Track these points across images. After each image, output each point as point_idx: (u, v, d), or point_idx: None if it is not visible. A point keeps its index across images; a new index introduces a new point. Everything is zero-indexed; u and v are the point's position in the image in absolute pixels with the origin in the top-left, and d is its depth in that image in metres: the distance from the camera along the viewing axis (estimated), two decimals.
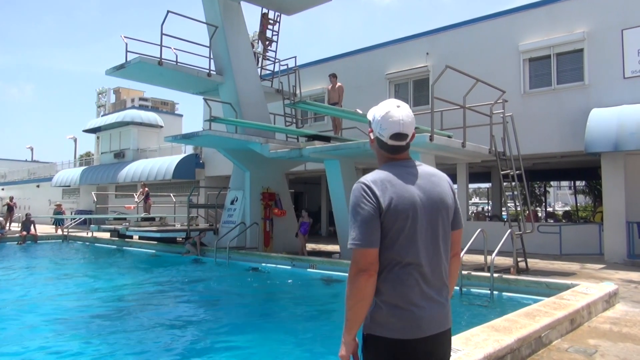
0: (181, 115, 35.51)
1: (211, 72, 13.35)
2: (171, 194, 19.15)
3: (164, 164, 23.20)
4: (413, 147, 1.90)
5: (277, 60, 15.55)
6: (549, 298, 5.84)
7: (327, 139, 12.22)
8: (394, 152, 1.91)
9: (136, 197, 19.11)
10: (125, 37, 12.27)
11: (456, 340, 3.72)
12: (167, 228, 15.45)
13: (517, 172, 10.22)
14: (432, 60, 15.10)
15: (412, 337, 1.75)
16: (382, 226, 1.76)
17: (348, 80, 15.53)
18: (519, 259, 9.44)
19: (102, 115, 40.61)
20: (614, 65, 11.81)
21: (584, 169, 19.32)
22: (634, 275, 9.02)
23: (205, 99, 13.40)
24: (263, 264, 11.44)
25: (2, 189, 40.95)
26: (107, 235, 18.15)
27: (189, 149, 23.99)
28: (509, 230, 9.15)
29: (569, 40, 12.53)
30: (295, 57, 14.84)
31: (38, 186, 36.41)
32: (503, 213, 17.71)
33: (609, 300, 6.23)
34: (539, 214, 24.11)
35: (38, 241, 18.67)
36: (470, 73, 10.11)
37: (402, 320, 1.75)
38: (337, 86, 13.20)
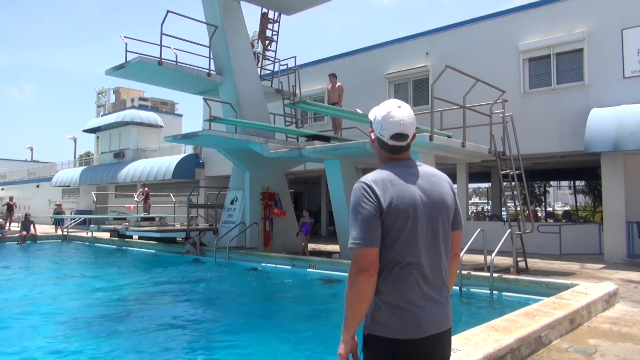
0: (181, 115, 35.52)
1: (211, 72, 13.35)
2: (171, 194, 19.14)
3: (164, 163, 23.20)
4: (413, 147, 1.91)
5: (277, 60, 15.56)
6: (549, 298, 5.84)
7: (326, 138, 12.22)
8: (395, 152, 1.91)
9: (136, 196, 19.11)
10: (125, 37, 12.27)
11: (456, 340, 3.72)
12: (167, 228, 15.45)
13: (517, 172, 10.23)
14: (431, 60, 15.11)
15: (412, 337, 1.75)
16: (383, 226, 1.76)
17: (348, 80, 15.53)
18: (518, 259, 9.45)
19: (101, 115, 40.65)
20: (613, 65, 11.81)
21: (584, 169, 19.33)
22: (633, 275, 9.03)
23: (205, 99, 13.39)
24: (263, 264, 11.44)
25: (2, 189, 40.94)
26: (107, 235, 18.15)
27: (188, 149, 24.00)
28: (509, 230, 9.16)
29: (569, 40, 12.53)
30: (295, 57, 14.85)
31: (38, 186, 36.40)
32: (503, 213, 17.73)
33: (609, 300, 6.23)
34: (539, 214, 24.12)
35: (38, 241, 18.66)
36: (470, 73, 10.11)
37: (402, 320, 1.76)
38: (337, 86, 13.20)
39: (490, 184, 21.81)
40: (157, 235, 14.57)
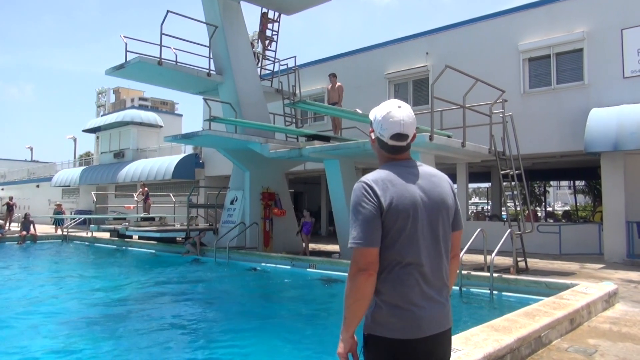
0: (181, 115, 35.52)
1: (211, 72, 13.34)
2: (171, 194, 19.15)
3: (164, 163, 23.20)
4: (413, 147, 1.91)
5: (276, 60, 15.56)
6: (549, 298, 5.84)
7: (326, 138, 12.22)
8: (395, 152, 1.91)
9: (135, 196, 19.11)
10: (125, 37, 12.27)
11: (456, 340, 3.72)
12: (167, 228, 15.45)
13: (517, 171, 10.23)
14: (431, 60, 15.11)
15: (413, 337, 1.75)
16: (383, 226, 1.76)
17: (348, 80, 15.53)
18: (518, 259, 9.45)
19: (101, 115, 40.64)
20: (613, 65, 11.81)
21: (584, 169, 19.33)
22: (633, 275, 9.03)
23: (205, 99, 13.39)
24: (263, 264, 11.44)
25: (2, 189, 40.93)
26: (106, 235, 18.14)
27: (188, 149, 24.00)
28: (509, 230, 9.16)
29: (569, 40, 12.53)
30: (295, 56, 14.85)
31: (38, 186, 36.39)
32: (503, 213, 17.73)
33: (609, 300, 6.23)
34: (539, 214, 24.12)
35: (37, 241, 18.66)
36: (469, 73, 10.11)
37: (402, 320, 1.76)
38: (336, 86, 13.20)
39: (490, 183, 21.82)
40: (157, 235, 14.58)
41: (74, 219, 22.91)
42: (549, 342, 4.58)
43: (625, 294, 7.10)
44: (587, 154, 11.31)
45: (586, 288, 6.32)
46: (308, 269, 10.38)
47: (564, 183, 33.86)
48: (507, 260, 9.56)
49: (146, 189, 18.74)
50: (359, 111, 10.92)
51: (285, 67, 15.45)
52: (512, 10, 13.94)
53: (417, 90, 15.75)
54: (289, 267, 10.90)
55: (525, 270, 9.41)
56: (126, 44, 12.18)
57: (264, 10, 15.05)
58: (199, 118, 25.82)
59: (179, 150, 24.81)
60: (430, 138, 8.61)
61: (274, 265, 11.25)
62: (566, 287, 6.67)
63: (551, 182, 33.00)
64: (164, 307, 7.85)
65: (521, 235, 9.82)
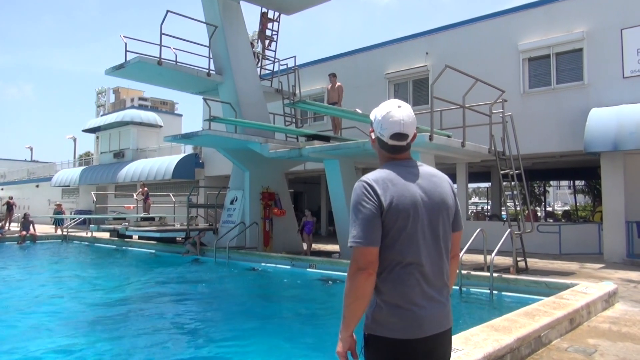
0: (181, 115, 35.52)
1: (210, 71, 13.34)
2: (171, 194, 19.14)
3: (164, 163, 23.19)
4: (413, 147, 1.91)
5: (276, 60, 15.56)
6: (549, 298, 5.84)
7: (326, 138, 12.23)
8: (395, 152, 1.92)
9: (135, 195, 19.11)
10: (124, 36, 12.27)
11: (456, 340, 3.72)
12: (167, 228, 15.44)
13: (517, 171, 10.23)
14: (431, 60, 15.11)
15: (413, 337, 1.75)
16: (383, 225, 1.76)
17: (347, 79, 15.53)
18: (518, 259, 9.45)
19: (101, 115, 40.62)
20: (613, 65, 11.82)
21: (584, 169, 19.34)
22: (633, 275, 9.03)
23: (204, 99, 13.39)
24: (263, 264, 11.43)
25: (2, 189, 40.92)
26: (106, 235, 18.14)
27: (188, 149, 24.00)
28: (509, 230, 9.16)
29: (568, 39, 12.54)
30: (294, 56, 14.85)
31: (37, 186, 36.39)
32: (502, 213, 17.73)
33: (609, 299, 6.24)
34: (539, 214, 24.13)
35: (37, 241, 18.66)
36: (469, 73, 10.11)
37: (402, 320, 1.76)
38: (336, 86, 13.21)
39: (490, 183, 21.83)
40: (157, 235, 14.57)
41: (73, 219, 22.90)
42: (548, 342, 4.58)
43: (625, 294, 7.10)
44: (586, 153, 11.31)
45: (586, 288, 6.32)
46: (308, 269, 10.38)
47: (564, 183, 33.88)
48: (507, 260, 9.56)
49: (146, 189, 18.74)
50: (359, 111, 10.92)
51: (285, 67, 15.45)
52: (511, 10, 13.95)
53: (417, 90, 15.75)
54: (288, 267, 10.90)
55: (525, 270, 9.42)
56: (126, 44, 12.19)
57: (264, 10, 15.05)
58: (198, 118, 25.84)
59: (178, 150, 24.81)
60: (430, 138, 8.61)
61: (273, 265, 11.25)
62: (566, 287, 6.68)
63: (551, 182, 33.02)
64: (164, 307, 7.85)
65: (521, 235, 9.83)
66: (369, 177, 1.83)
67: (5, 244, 18.02)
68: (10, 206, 22.87)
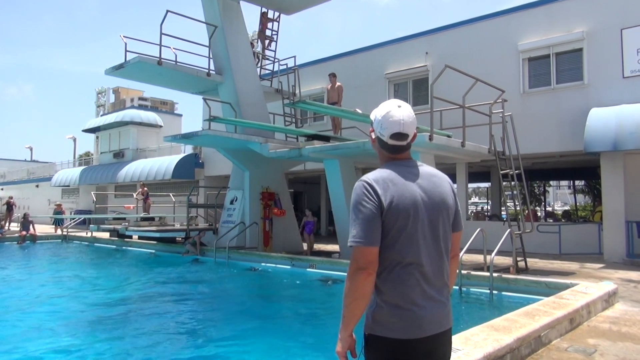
0: (180, 115, 35.52)
1: (210, 71, 13.34)
2: (170, 194, 19.14)
3: (164, 163, 23.19)
4: (413, 147, 1.91)
5: (276, 60, 15.56)
6: (549, 297, 5.85)
7: (326, 138, 12.23)
8: (395, 151, 1.92)
9: (135, 195, 19.11)
10: (124, 36, 12.28)
11: (456, 340, 3.72)
12: (167, 228, 15.44)
13: (517, 171, 10.23)
14: (431, 59, 15.11)
15: (413, 337, 1.75)
16: (383, 225, 1.76)
17: (347, 79, 15.53)
18: (518, 259, 9.45)
19: (101, 115, 40.61)
20: (613, 65, 11.82)
21: (583, 169, 19.34)
22: (633, 275, 9.03)
23: (204, 99, 13.39)
24: (262, 264, 11.44)
25: (2, 189, 40.91)
26: (106, 235, 18.14)
27: (188, 149, 23.99)
28: (509, 230, 9.16)
29: (568, 39, 12.54)
30: (294, 56, 14.85)
31: (37, 186, 36.38)
32: (502, 212, 17.73)
33: (609, 299, 6.24)
34: (539, 214, 24.14)
35: (37, 241, 18.66)
36: (469, 73, 10.11)
37: (403, 320, 1.76)
38: (336, 86, 13.21)
39: (489, 183, 21.83)
40: (157, 235, 14.57)
41: (73, 219, 22.90)
42: (548, 342, 4.58)
43: (624, 294, 7.10)
44: (586, 153, 11.32)
45: (586, 288, 6.32)
46: (308, 269, 10.38)
47: (564, 183, 33.87)
48: (507, 260, 9.56)
49: (146, 189, 18.73)
50: (359, 111, 10.92)
51: (285, 67, 15.45)
52: (511, 10, 13.95)
53: (416, 90, 15.75)
54: (288, 267, 10.90)
55: (525, 270, 9.42)
56: (126, 44, 12.19)
57: (264, 9, 15.05)
58: (198, 118, 25.84)
59: (178, 150, 24.81)
60: (430, 138, 8.61)
61: (273, 265, 11.25)
62: (566, 286, 6.68)
63: (551, 182, 33.01)
64: (164, 307, 7.85)
65: (521, 235, 9.83)
66: (369, 176, 1.83)
67: (5, 244, 18.02)
68: (10, 206, 22.87)
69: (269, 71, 16.17)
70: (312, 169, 16.93)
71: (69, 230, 20.63)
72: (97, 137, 31.51)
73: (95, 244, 17.95)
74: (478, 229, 8.87)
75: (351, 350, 1.82)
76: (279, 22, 15.43)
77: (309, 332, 6.17)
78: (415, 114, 1.96)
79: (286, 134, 13.91)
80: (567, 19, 12.61)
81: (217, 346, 5.57)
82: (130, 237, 16.56)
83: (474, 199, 51.91)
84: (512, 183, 10.17)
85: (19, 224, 19.80)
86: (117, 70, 12.68)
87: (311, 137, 12.28)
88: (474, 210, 32.19)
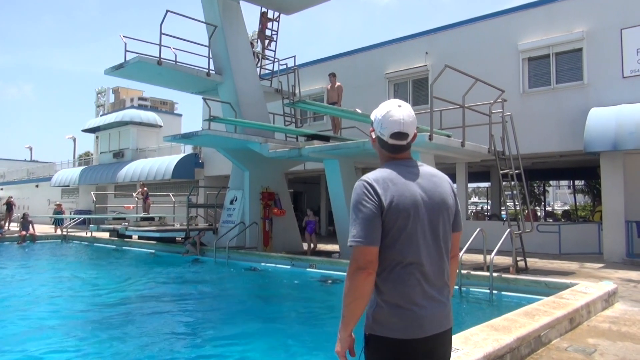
0: (180, 115, 35.54)
1: (210, 71, 13.34)
2: (170, 194, 19.14)
3: (163, 163, 23.19)
4: (412, 147, 1.91)
5: (276, 60, 15.56)
6: (548, 297, 5.85)
7: (326, 138, 12.23)
8: (395, 151, 1.92)
9: (135, 194, 19.12)
10: (124, 36, 12.28)
11: (455, 340, 3.72)
12: (167, 228, 15.44)
13: (516, 171, 10.24)
14: (431, 59, 15.11)
15: (414, 337, 1.75)
16: (383, 225, 1.76)
17: (347, 79, 15.53)
18: (518, 259, 9.45)
19: (101, 115, 40.62)
20: (613, 65, 11.82)
21: (583, 169, 19.35)
22: (633, 274, 9.04)
23: (204, 99, 13.39)
24: (262, 264, 11.44)
25: (2, 189, 40.91)
26: (106, 235, 18.14)
27: (188, 149, 23.99)
28: (508, 230, 9.16)
29: (568, 39, 12.54)
30: (294, 56, 14.84)
31: (37, 186, 36.38)
32: (502, 212, 17.74)
33: (608, 299, 6.24)
34: (538, 213, 24.14)
35: (37, 241, 18.65)
36: (469, 72, 10.11)
37: (403, 320, 1.76)
38: (336, 86, 13.21)
39: (489, 183, 21.83)
40: (157, 235, 14.57)
41: (73, 218, 22.90)
42: (548, 342, 4.58)
43: (624, 294, 7.11)
44: (586, 153, 11.32)
45: (586, 287, 6.33)
46: (308, 269, 10.38)
47: (564, 183, 33.87)
48: (507, 260, 9.57)
49: (145, 188, 18.74)
50: (359, 111, 10.93)
51: (284, 66, 15.45)
52: (511, 10, 13.95)
53: (416, 90, 15.75)
54: (288, 266, 10.90)
55: (525, 270, 9.42)
56: (125, 44, 12.19)
57: (264, 9, 15.05)
58: (198, 118, 25.85)
59: (178, 150, 24.81)
60: (430, 138, 8.62)
61: (273, 265, 11.25)
62: (566, 286, 6.68)
63: (551, 182, 33.02)
64: (164, 306, 7.85)
65: (521, 234, 9.83)
66: (370, 176, 1.83)
67: (5, 243, 18.01)
68: (10, 206, 22.87)
69: (269, 71, 16.17)
70: (312, 169, 16.93)
71: (69, 230, 20.62)
72: (97, 137, 31.51)
73: (95, 244, 17.94)
74: (478, 229, 8.87)
75: (350, 350, 1.82)
76: (278, 22, 15.43)
77: (308, 332, 6.17)
78: (415, 114, 1.96)
79: (286, 134, 13.91)
80: (567, 19, 12.61)
81: (217, 346, 5.57)
82: (130, 237, 16.55)
83: (474, 199, 51.92)
84: (512, 183, 10.17)
85: (19, 224, 19.80)
86: (117, 70, 12.68)
87: (311, 137, 12.28)
88: (474, 210, 32.19)
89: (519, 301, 6.68)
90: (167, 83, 14.46)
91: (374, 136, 1.96)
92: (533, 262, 10.43)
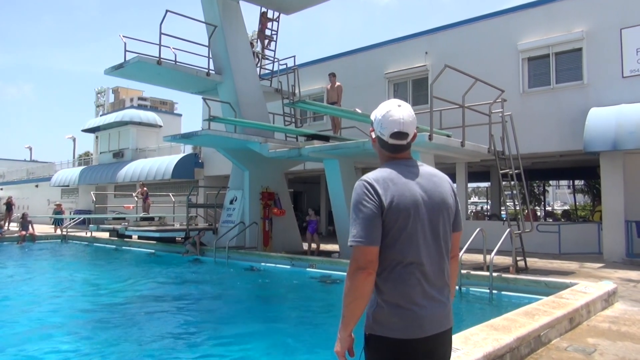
0: (180, 115, 35.55)
1: (210, 71, 13.34)
2: (170, 194, 19.14)
3: (163, 163, 23.19)
4: (412, 147, 1.91)
5: (276, 60, 15.55)
6: (548, 297, 5.85)
7: (326, 138, 12.23)
8: (395, 151, 1.92)
9: (135, 194, 19.11)
10: (124, 36, 12.29)
11: (455, 340, 3.72)
12: (166, 228, 15.44)
13: (516, 171, 10.24)
14: (431, 59, 15.11)
15: (414, 337, 1.75)
16: (384, 224, 1.76)
17: (347, 79, 15.53)
18: (518, 258, 9.45)
19: (101, 115, 40.58)
20: (612, 65, 11.82)
21: (583, 168, 19.35)
22: (632, 274, 9.04)
23: (204, 99, 13.39)
24: (262, 264, 11.44)
25: (1, 189, 40.89)
26: (106, 235, 18.13)
27: (188, 149, 23.98)
28: (508, 230, 9.16)
29: (568, 39, 12.54)
30: (294, 56, 14.85)
31: (37, 186, 36.37)
32: (502, 212, 17.74)
33: (608, 299, 6.24)
34: (538, 213, 24.16)
35: (37, 241, 18.64)
36: (469, 72, 10.11)
37: (403, 320, 1.76)
38: (336, 85, 13.20)
39: (489, 183, 21.83)
40: (157, 235, 14.57)
41: (73, 218, 22.89)
42: (548, 342, 4.58)
43: (624, 293, 7.11)
44: (586, 153, 11.32)
45: (585, 287, 6.33)
46: (308, 269, 10.38)
47: (563, 182, 33.85)
48: (507, 260, 9.57)
49: (145, 188, 18.73)
50: (359, 111, 10.92)
51: (284, 66, 15.44)
52: (511, 9, 13.95)
53: (416, 89, 15.76)
54: (288, 266, 10.90)
55: (525, 270, 9.42)
56: (125, 44, 12.20)
57: (263, 9, 15.04)
58: (198, 118, 25.85)
59: (178, 150, 24.80)
60: (430, 138, 8.61)
61: (273, 264, 11.25)
62: (565, 286, 6.68)
63: (550, 182, 33.01)
64: (164, 306, 7.85)
65: (520, 234, 9.83)
66: (370, 176, 1.83)
67: (4, 243, 18.01)
68: (9, 206, 22.86)
69: (269, 71, 16.16)
70: (312, 168, 16.93)
71: (69, 230, 20.61)
72: (97, 137, 31.51)
73: (95, 244, 17.93)
74: (478, 229, 8.87)
75: (350, 349, 1.82)
76: (278, 21, 15.43)
77: (308, 332, 6.17)
78: (415, 114, 1.96)
79: (286, 134, 13.91)
80: (566, 19, 12.61)
81: (217, 345, 5.57)
82: (130, 237, 16.55)
83: (474, 199, 51.93)
84: (512, 183, 10.17)
85: (18, 224, 19.79)
86: (117, 70, 12.68)
87: (311, 137, 12.28)
88: (474, 210, 32.21)
89: (518, 301, 6.69)
90: (167, 83, 14.46)
91: (373, 136, 1.96)
92: (533, 262, 10.43)
